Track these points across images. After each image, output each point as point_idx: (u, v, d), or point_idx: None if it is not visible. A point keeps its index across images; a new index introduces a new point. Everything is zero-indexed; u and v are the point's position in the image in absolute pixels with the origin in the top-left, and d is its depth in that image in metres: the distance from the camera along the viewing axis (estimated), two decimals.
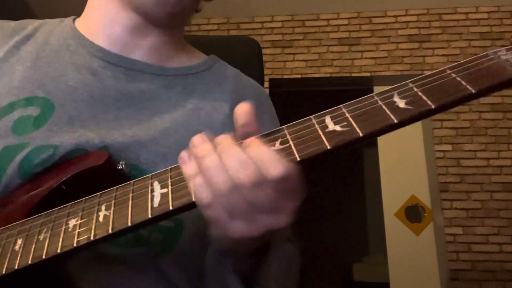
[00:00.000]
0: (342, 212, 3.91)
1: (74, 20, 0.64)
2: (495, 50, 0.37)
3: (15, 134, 0.50)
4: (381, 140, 2.76)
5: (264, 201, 0.34)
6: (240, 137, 0.38)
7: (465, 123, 2.66)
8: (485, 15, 2.81)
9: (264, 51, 0.99)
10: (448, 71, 0.37)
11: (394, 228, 2.70)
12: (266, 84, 2.83)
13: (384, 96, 0.37)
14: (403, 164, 2.79)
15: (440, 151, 2.65)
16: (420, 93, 0.36)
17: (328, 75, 2.87)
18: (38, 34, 0.60)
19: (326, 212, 4.02)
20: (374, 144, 2.84)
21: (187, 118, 0.57)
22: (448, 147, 2.65)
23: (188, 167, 0.36)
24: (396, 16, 2.90)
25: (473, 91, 0.35)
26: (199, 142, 0.37)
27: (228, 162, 0.34)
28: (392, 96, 0.37)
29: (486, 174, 2.58)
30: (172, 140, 0.54)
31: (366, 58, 2.86)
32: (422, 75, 0.38)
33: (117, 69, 0.57)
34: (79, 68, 0.56)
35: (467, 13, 2.83)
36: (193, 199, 0.36)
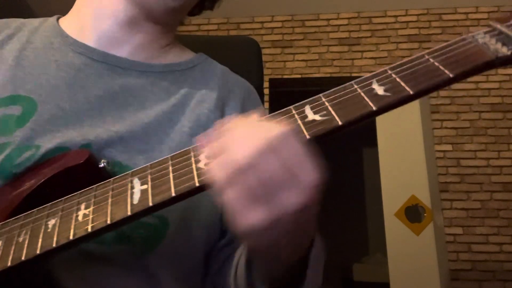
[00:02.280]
0: (342, 212, 3.90)
1: (58, 19, 0.63)
2: (473, 33, 0.37)
3: None
4: (381, 140, 2.76)
5: (277, 173, 0.32)
6: None
7: (465, 123, 2.66)
8: (485, 15, 2.81)
9: (264, 51, 0.99)
10: (426, 57, 0.37)
11: (394, 228, 2.70)
12: (266, 84, 2.83)
13: (363, 84, 0.37)
14: (403, 164, 2.79)
15: (440, 151, 2.65)
16: (398, 79, 0.36)
17: (328, 75, 2.87)
18: (21, 33, 0.60)
19: (326, 212, 4.02)
20: (374, 144, 2.84)
21: (171, 113, 0.56)
22: (448, 147, 2.65)
23: (206, 151, 0.35)
24: (396, 16, 2.90)
25: (450, 75, 0.35)
26: (218, 126, 0.36)
27: (238, 136, 0.34)
28: (371, 83, 0.37)
29: (486, 174, 2.58)
30: (154, 135, 0.54)
31: (366, 58, 2.86)
32: (401, 61, 0.37)
33: (100, 65, 0.57)
34: (61, 66, 0.56)
35: (467, 13, 2.83)
36: (173, 194, 0.35)
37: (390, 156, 2.79)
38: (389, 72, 0.37)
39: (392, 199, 2.75)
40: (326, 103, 0.37)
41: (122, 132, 0.52)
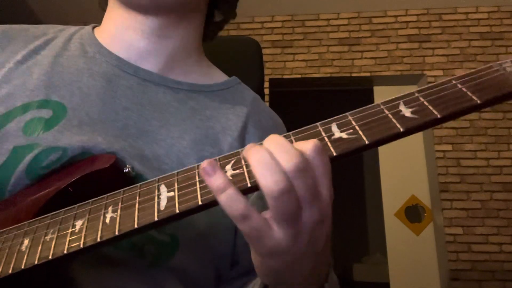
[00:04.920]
0: (342, 212, 3.90)
1: (93, 28, 0.65)
2: (500, 62, 0.38)
3: (25, 134, 0.50)
4: None
5: (306, 189, 0.32)
6: None
7: (465, 123, 2.66)
8: (485, 15, 2.81)
9: (264, 51, 0.99)
10: (454, 82, 0.38)
11: (394, 228, 2.70)
12: (266, 84, 2.83)
13: (390, 105, 0.38)
14: (403, 164, 2.79)
15: (440, 151, 2.65)
16: (426, 103, 0.37)
17: (328, 75, 2.87)
18: (58, 39, 0.61)
19: None
20: None
21: (194, 135, 0.57)
22: (448, 147, 2.65)
23: (215, 180, 0.33)
24: (396, 16, 2.90)
25: (478, 101, 0.35)
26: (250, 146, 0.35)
27: (274, 151, 0.33)
28: (398, 105, 0.37)
29: (486, 174, 2.58)
30: (175, 157, 0.54)
31: (366, 58, 2.86)
32: (428, 85, 0.38)
33: (131, 78, 0.58)
34: (94, 75, 0.57)
35: (467, 13, 2.83)
36: (200, 203, 0.36)
37: (390, 156, 2.80)
38: (417, 95, 0.38)
39: (392, 199, 2.75)
40: (353, 122, 0.37)
41: (143, 150, 0.53)
